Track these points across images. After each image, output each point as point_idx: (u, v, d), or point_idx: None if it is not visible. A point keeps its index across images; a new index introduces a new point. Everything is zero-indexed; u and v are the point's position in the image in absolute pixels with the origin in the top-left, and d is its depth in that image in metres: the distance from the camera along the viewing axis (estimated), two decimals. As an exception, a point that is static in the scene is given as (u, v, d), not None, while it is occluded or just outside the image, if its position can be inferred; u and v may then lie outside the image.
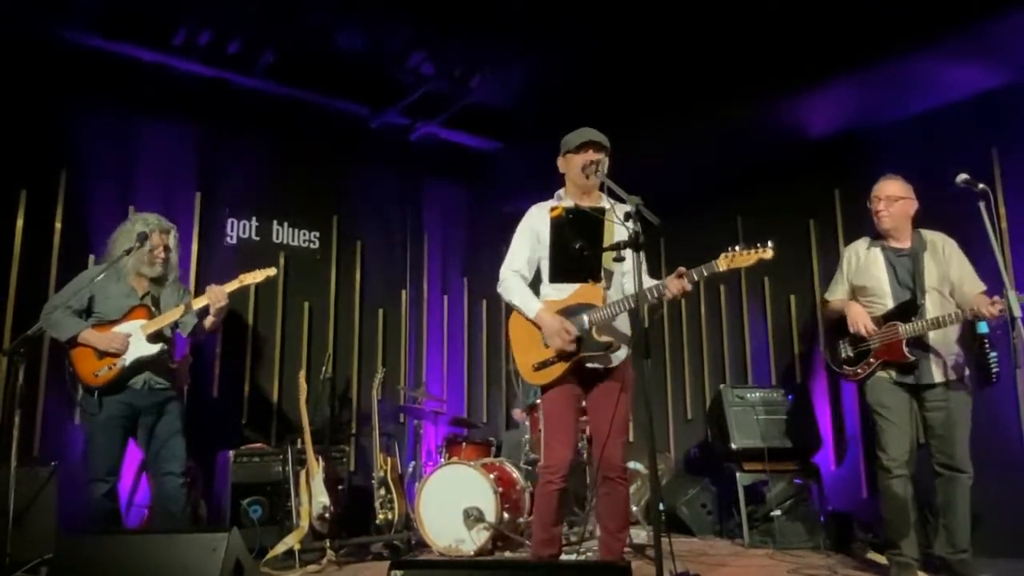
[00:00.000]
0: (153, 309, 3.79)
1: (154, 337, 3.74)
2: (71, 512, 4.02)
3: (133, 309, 3.75)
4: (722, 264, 2.91)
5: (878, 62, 4.31)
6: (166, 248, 3.85)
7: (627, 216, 2.69)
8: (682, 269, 2.91)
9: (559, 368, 3.07)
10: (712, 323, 6.03)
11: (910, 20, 4.02)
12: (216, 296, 3.76)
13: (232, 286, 3.86)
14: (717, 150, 5.45)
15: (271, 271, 3.96)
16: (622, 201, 2.82)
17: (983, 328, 3.68)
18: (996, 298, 3.31)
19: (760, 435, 4.75)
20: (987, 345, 3.71)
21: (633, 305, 2.98)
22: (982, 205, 3.14)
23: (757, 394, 4.95)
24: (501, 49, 4.92)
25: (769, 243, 2.87)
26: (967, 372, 3.59)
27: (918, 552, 3.55)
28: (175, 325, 3.89)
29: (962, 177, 3.22)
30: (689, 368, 6.15)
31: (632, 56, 4.76)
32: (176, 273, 3.97)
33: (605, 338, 3.06)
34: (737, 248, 2.90)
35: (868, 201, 3.73)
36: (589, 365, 3.10)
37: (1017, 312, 3.09)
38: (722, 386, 5.04)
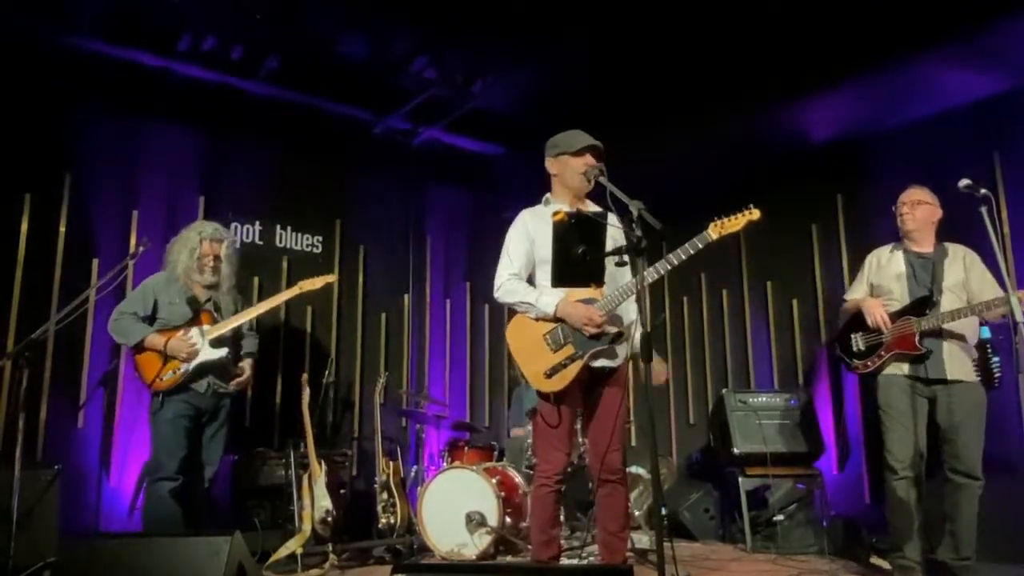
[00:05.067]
0: (216, 314, 3.93)
1: (217, 342, 3.87)
2: (74, 515, 4.03)
3: (197, 314, 3.89)
4: (713, 233, 2.91)
5: (881, 68, 4.32)
6: (216, 257, 3.97)
7: (630, 220, 2.69)
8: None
9: (574, 369, 2.99)
10: (714, 327, 6.03)
11: (913, 26, 4.03)
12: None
13: (291, 293, 4.12)
14: (719, 155, 5.46)
15: (331, 277, 4.21)
16: (612, 208, 2.82)
17: (985, 333, 3.69)
18: None
19: (762, 439, 4.74)
20: (989, 350, 3.72)
21: (637, 290, 2.90)
22: (984, 210, 3.14)
23: (759, 398, 4.95)
24: (503, 54, 4.93)
25: (752, 206, 2.92)
26: (979, 376, 3.59)
27: (921, 555, 3.55)
28: (240, 336, 4.10)
29: (964, 182, 3.23)
30: (691, 372, 6.15)
31: (634, 61, 4.77)
32: (231, 282, 4.07)
33: (613, 328, 3.01)
34: (725, 217, 2.93)
35: (893, 206, 3.77)
36: (595, 364, 3.05)
37: (1020, 317, 3.09)
38: (724, 390, 5.04)
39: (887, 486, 3.59)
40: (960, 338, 3.53)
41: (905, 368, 3.59)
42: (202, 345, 3.84)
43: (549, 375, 3.02)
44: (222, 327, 3.90)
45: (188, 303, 3.91)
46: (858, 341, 3.76)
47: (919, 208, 3.67)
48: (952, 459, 3.49)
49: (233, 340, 4.08)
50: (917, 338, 3.52)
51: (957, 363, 3.52)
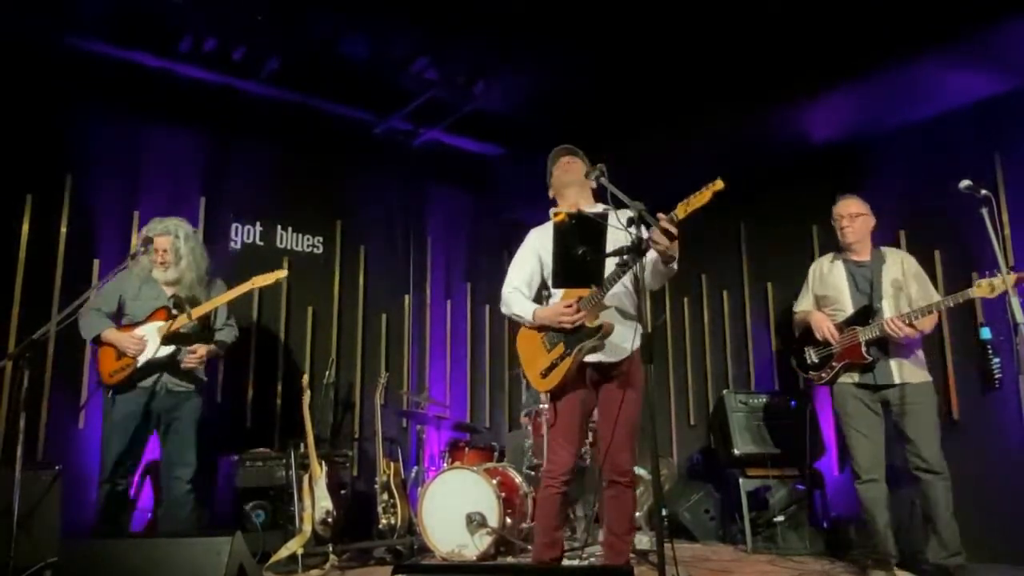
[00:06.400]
0: (174, 311, 3.88)
1: (169, 339, 3.83)
2: (75, 516, 4.03)
3: (156, 311, 3.87)
4: (680, 212, 2.82)
5: (881, 69, 4.31)
6: (164, 251, 3.92)
7: (630, 221, 2.69)
8: (661, 215, 2.81)
9: (564, 366, 3.02)
10: (715, 328, 6.02)
11: (913, 26, 4.03)
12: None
13: (244, 288, 4.00)
14: (720, 156, 5.45)
15: (281, 273, 4.10)
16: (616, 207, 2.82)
17: (986, 334, 3.71)
18: (906, 316, 3.51)
19: (763, 441, 4.75)
20: (990, 351, 3.74)
21: (624, 277, 2.92)
22: (985, 211, 3.15)
23: (760, 400, 4.95)
24: (504, 55, 4.94)
25: (718, 179, 2.79)
26: (929, 376, 3.69)
27: (895, 549, 3.66)
28: (208, 330, 4.03)
29: (965, 183, 3.24)
30: (692, 373, 6.14)
31: (635, 63, 4.77)
32: (192, 275, 3.98)
33: (597, 322, 3.01)
34: (690, 196, 2.83)
35: (832, 219, 3.89)
36: (590, 359, 3.06)
37: (1020, 318, 3.09)
38: (725, 391, 5.04)
39: (856, 488, 3.73)
40: (903, 343, 3.62)
41: (856, 377, 3.71)
42: (151, 342, 3.79)
43: (544, 374, 3.10)
44: (172, 325, 3.82)
45: (153, 299, 3.91)
46: (811, 354, 3.89)
47: (858, 220, 3.81)
48: (914, 458, 3.58)
49: (199, 337, 3.99)
50: (864, 347, 3.64)
51: (904, 366, 3.64)
